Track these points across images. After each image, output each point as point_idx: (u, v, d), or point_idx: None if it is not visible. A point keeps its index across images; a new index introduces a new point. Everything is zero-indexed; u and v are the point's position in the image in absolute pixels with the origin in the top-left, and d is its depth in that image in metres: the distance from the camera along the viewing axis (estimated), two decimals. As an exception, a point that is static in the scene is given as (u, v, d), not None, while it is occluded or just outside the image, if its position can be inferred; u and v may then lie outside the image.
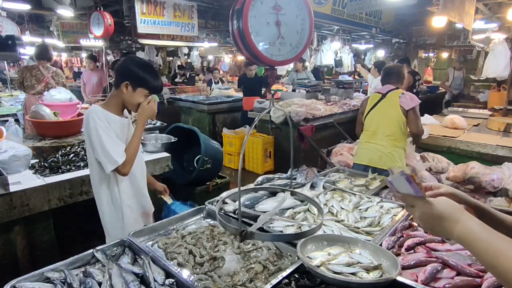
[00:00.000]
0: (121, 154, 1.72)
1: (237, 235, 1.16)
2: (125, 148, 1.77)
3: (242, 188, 1.86)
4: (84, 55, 7.60)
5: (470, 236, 0.77)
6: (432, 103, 8.18)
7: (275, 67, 1.16)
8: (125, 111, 1.90)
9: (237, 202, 1.73)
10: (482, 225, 0.77)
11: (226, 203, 1.70)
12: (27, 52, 7.26)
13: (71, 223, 2.60)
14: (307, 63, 8.26)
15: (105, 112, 1.77)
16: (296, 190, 1.77)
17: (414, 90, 6.47)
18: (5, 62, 6.93)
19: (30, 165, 2.42)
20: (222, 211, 1.68)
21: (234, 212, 1.69)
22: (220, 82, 9.38)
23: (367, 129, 3.06)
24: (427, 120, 4.32)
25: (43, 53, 4.50)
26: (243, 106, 6.34)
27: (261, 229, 1.43)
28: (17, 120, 4.17)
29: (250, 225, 1.36)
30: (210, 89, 8.59)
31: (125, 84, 1.75)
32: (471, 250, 0.77)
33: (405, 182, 0.83)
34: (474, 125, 4.35)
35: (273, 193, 1.81)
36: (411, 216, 1.61)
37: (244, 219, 1.61)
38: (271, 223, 1.55)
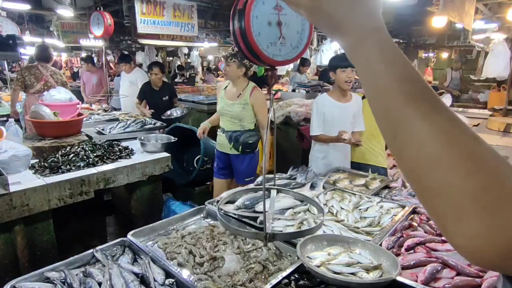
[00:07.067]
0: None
1: (258, 239, 1.14)
2: None
3: (241, 189, 1.86)
4: (84, 55, 7.61)
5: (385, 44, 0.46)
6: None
7: (276, 68, 1.15)
8: None
9: (236, 203, 1.73)
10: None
11: (227, 203, 1.70)
12: (27, 52, 7.26)
13: (71, 223, 2.60)
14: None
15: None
16: (283, 187, 1.77)
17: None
18: (5, 62, 6.91)
19: (30, 165, 2.42)
20: (222, 211, 1.68)
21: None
22: None
23: None
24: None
25: (44, 54, 4.54)
26: None
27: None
28: (17, 120, 4.18)
29: (250, 225, 1.37)
30: None
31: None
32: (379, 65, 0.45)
33: None
34: (474, 125, 4.34)
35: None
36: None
37: (244, 220, 1.62)
38: (271, 223, 1.55)
